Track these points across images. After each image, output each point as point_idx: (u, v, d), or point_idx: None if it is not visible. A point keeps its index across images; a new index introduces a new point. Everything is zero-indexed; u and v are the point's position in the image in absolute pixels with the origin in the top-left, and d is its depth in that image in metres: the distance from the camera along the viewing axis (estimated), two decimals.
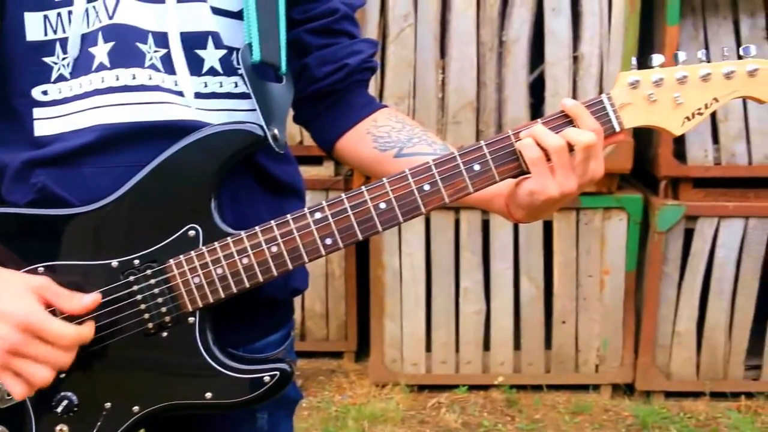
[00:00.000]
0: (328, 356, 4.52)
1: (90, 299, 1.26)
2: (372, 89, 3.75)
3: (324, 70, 1.48)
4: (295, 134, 3.80)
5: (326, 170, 4.06)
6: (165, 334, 1.31)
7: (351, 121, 1.51)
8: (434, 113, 3.80)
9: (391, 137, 1.47)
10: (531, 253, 4.01)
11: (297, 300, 4.29)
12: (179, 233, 1.29)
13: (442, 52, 3.80)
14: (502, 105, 3.80)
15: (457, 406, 4.06)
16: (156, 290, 1.29)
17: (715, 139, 3.87)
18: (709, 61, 1.32)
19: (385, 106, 1.55)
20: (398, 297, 4.05)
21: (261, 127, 1.31)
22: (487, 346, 4.13)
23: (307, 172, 4.01)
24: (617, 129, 1.31)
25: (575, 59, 3.76)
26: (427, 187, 1.29)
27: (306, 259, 1.31)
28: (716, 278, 3.98)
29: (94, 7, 1.29)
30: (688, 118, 1.31)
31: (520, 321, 4.10)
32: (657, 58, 1.31)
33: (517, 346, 4.14)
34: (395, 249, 3.99)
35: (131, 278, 1.29)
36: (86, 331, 1.26)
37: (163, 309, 1.30)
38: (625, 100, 1.31)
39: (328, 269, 4.31)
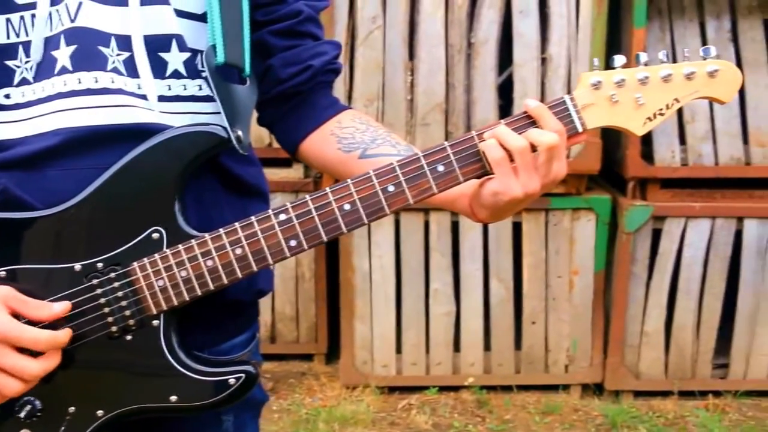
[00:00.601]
0: (299, 359, 4.51)
1: (60, 308, 1.25)
2: (341, 91, 3.78)
3: (288, 71, 1.48)
4: (263, 136, 3.79)
5: (295, 172, 4.05)
6: (129, 337, 1.30)
7: (315, 123, 1.51)
8: (403, 115, 3.81)
9: (355, 138, 1.47)
10: (500, 254, 4.02)
11: (267, 302, 4.28)
12: (143, 236, 1.28)
13: (411, 53, 3.80)
14: (471, 106, 3.81)
15: (427, 407, 4.06)
16: (120, 293, 1.28)
17: (682, 140, 3.90)
18: (674, 62, 1.32)
19: (350, 108, 1.55)
20: (368, 299, 4.05)
21: (225, 128, 1.31)
22: (457, 347, 4.14)
23: (276, 174, 4.00)
24: (580, 129, 1.32)
25: (543, 61, 3.77)
26: (391, 188, 1.29)
27: (271, 260, 1.30)
28: (684, 278, 4.01)
29: (57, 10, 1.28)
30: (649, 119, 1.32)
31: (490, 322, 4.11)
32: (619, 59, 1.32)
33: (487, 347, 4.15)
34: (365, 251, 3.99)
35: (94, 282, 1.28)
36: (62, 336, 1.25)
37: (127, 312, 1.29)
38: (588, 100, 1.31)
39: (298, 272, 4.30)
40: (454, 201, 1.40)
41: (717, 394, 4.14)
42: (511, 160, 1.28)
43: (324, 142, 1.50)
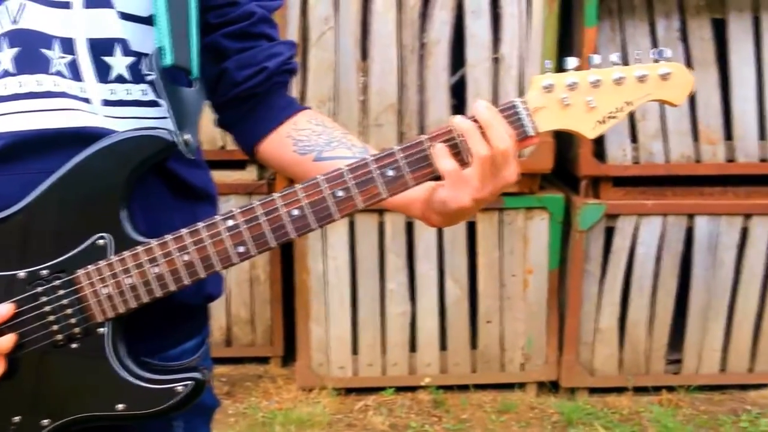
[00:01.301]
0: (255, 362, 4.49)
1: (3, 310, 1.23)
2: (294, 92, 3.76)
3: (243, 73, 1.46)
4: (216, 139, 3.76)
5: (249, 174, 4.03)
6: (75, 345, 1.28)
7: (272, 124, 1.50)
8: (356, 116, 3.80)
9: (311, 141, 1.46)
10: (455, 254, 4.03)
11: (222, 306, 4.25)
12: (88, 243, 1.27)
13: (364, 54, 3.80)
14: (424, 107, 3.81)
15: (384, 408, 4.05)
16: (65, 301, 1.26)
17: (634, 138, 3.94)
18: (626, 63, 1.32)
19: (307, 108, 1.54)
20: (324, 300, 4.04)
21: (171, 132, 1.29)
22: (413, 347, 4.14)
23: (229, 176, 3.98)
24: (531, 133, 1.30)
25: (496, 61, 3.78)
26: (340, 193, 1.28)
27: (218, 267, 1.28)
28: (637, 275, 4.05)
29: None
30: (601, 122, 1.31)
31: (446, 322, 4.12)
32: (571, 62, 1.31)
33: (443, 346, 4.15)
34: (320, 253, 3.97)
35: (39, 289, 1.26)
36: (5, 342, 1.24)
37: (73, 320, 1.27)
38: (539, 104, 1.30)
39: (252, 274, 4.28)
40: (408, 206, 1.39)
41: (670, 389, 4.19)
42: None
43: (280, 144, 1.49)
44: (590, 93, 1.30)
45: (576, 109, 1.30)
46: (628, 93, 1.31)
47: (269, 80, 1.48)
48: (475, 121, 1.28)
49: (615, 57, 1.31)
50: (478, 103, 1.29)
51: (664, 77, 1.31)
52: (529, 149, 3.78)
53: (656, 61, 1.32)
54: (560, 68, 1.32)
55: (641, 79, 1.30)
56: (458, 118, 1.29)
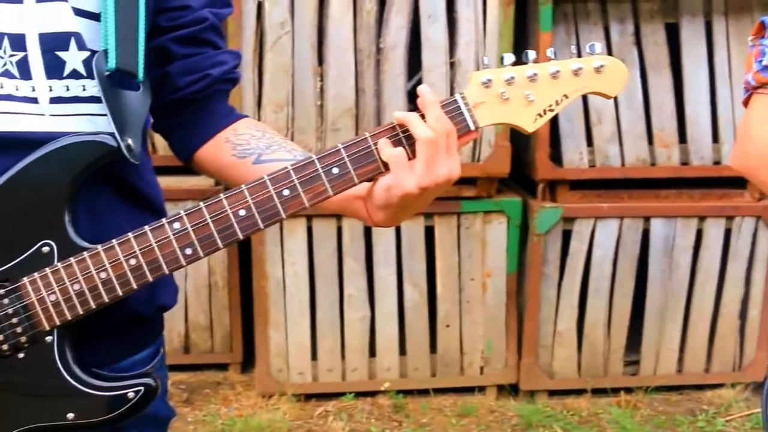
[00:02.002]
0: (214, 368, 4.46)
1: None
2: (250, 97, 3.75)
3: (186, 79, 1.45)
4: None
5: (206, 180, 4.00)
6: (21, 355, 1.26)
7: (211, 131, 1.49)
8: (313, 120, 3.79)
9: (251, 144, 1.46)
10: (414, 259, 4.03)
11: (180, 312, 4.22)
12: (32, 250, 1.25)
13: (320, 59, 3.79)
14: (381, 111, 3.81)
15: (344, 413, 4.05)
16: (10, 310, 1.25)
17: (590, 142, 3.97)
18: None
19: (246, 116, 1.54)
20: (282, 306, 4.02)
21: (114, 137, 1.28)
22: (372, 352, 4.14)
23: (186, 182, 3.96)
24: (472, 128, 1.32)
25: (452, 65, 3.80)
26: (286, 192, 1.28)
27: (166, 270, 1.28)
28: (594, 277, 4.08)
29: None
30: (540, 115, 1.34)
31: (405, 326, 4.12)
32: (508, 58, 1.33)
33: (402, 351, 4.15)
34: (278, 258, 3.96)
35: None
36: None
37: (19, 329, 1.25)
38: (479, 99, 1.32)
39: (211, 280, 4.25)
40: (350, 204, 1.39)
41: (629, 390, 4.23)
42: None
43: (219, 148, 1.48)
44: (528, 87, 1.32)
45: (515, 103, 1.33)
46: (564, 86, 1.34)
47: (211, 87, 1.47)
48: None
49: (550, 52, 1.34)
50: (422, 86, 1.32)
51: (599, 70, 1.34)
52: (487, 153, 3.80)
53: (590, 54, 1.34)
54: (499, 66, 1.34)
55: (576, 72, 1.33)
56: (399, 112, 1.31)
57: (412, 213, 1.36)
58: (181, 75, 1.45)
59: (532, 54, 1.33)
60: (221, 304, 4.30)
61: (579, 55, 1.35)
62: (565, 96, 1.34)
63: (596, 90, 1.35)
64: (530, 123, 1.34)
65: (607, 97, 1.37)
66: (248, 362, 4.42)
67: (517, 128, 1.35)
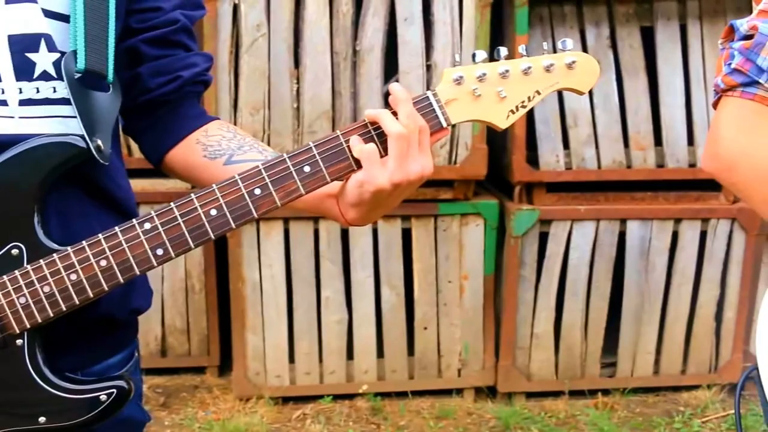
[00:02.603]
0: (191, 372, 4.44)
1: None
2: (226, 100, 3.75)
3: (156, 81, 1.45)
4: None
5: (181, 183, 3.98)
6: None
7: (182, 133, 1.48)
8: (290, 123, 3.78)
9: (221, 145, 1.45)
10: (391, 261, 4.03)
11: (157, 316, 4.21)
12: (1, 253, 1.24)
13: (297, 61, 3.79)
14: (358, 114, 3.81)
15: (322, 416, 4.04)
16: None
17: (566, 144, 3.98)
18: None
19: (217, 119, 1.53)
20: (259, 309, 4.01)
21: (83, 138, 1.27)
22: (350, 354, 4.13)
23: (162, 184, 3.95)
24: (444, 125, 1.32)
25: (428, 68, 3.80)
26: (258, 191, 1.28)
27: (137, 270, 1.27)
28: (571, 280, 4.09)
29: None
30: (512, 111, 1.34)
31: (383, 329, 4.12)
32: (480, 54, 1.33)
33: (380, 353, 4.15)
34: (255, 261, 3.95)
35: None
36: None
37: None
38: (451, 95, 1.32)
39: (188, 284, 4.24)
40: (322, 203, 1.39)
41: (606, 392, 4.24)
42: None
43: (189, 150, 1.47)
44: (500, 84, 1.33)
45: (487, 100, 1.33)
46: (536, 82, 1.34)
47: (181, 89, 1.46)
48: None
49: (521, 49, 1.34)
50: (394, 84, 1.32)
51: (570, 66, 1.34)
52: (463, 155, 3.81)
53: (562, 50, 1.35)
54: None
55: (548, 68, 1.33)
56: (371, 110, 1.31)
57: (384, 211, 1.36)
58: (152, 76, 1.44)
59: (504, 51, 1.33)
60: (198, 307, 4.28)
61: (554, 53, 1.35)
62: (538, 92, 1.34)
63: (568, 86, 1.35)
64: (503, 120, 1.34)
65: (579, 93, 1.37)
66: (225, 365, 4.41)
67: (489, 125, 1.35)
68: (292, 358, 4.11)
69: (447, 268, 4.06)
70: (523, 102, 1.34)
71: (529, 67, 1.32)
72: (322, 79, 3.77)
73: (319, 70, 3.76)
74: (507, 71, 1.32)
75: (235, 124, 3.72)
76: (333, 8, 3.74)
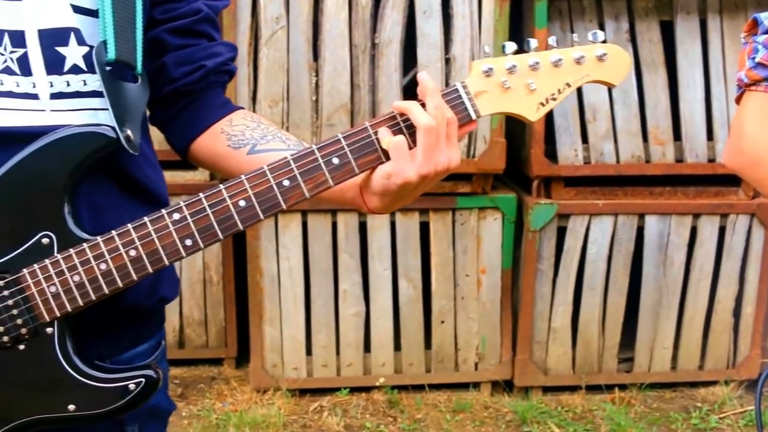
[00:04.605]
0: (208, 363, 4.46)
1: None
2: (245, 92, 3.75)
3: (181, 70, 1.45)
4: None
5: (201, 174, 4.01)
6: (22, 346, 1.26)
7: (206, 122, 1.49)
8: (308, 116, 3.79)
9: (245, 135, 1.45)
10: (409, 255, 4.04)
11: (175, 307, 4.22)
12: (32, 241, 1.25)
13: (315, 54, 3.79)
14: (376, 107, 3.81)
15: (339, 409, 4.05)
16: (10, 302, 1.24)
17: (585, 139, 3.97)
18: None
19: (241, 108, 1.53)
20: (277, 302, 4.02)
21: (113, 128, 1.27)
22: (367, 347, 4.14)
23: (182, 176, 3.96)
24: (473, 117, 1.31)
25: (447, 61, 3.80)
26: (286, 183, 1.28)
27: (166, 261, 1.27)
28: (588, 274, 4.08)
29: None
30: (542, 104, 1.32)
31: (400, 322, 4.13)
32: (510, 46, 1.31)
33: (397, 347, 4.16)
34: (273, 254, 3.96)
35: None
36: None
37: (19, 321, 1.25)
38: (480, 88, 1.31)
39: (206, 275, 4.26)
40: (344, 194, 1.38)
41: (623, 387, 4.24)
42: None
43: (214, 139, 1.48)
44: (530, 76, 1.32)
45: (517, 92, 1.32)
46: (566, 74, 1.32)
47: (206, 78, 1.47)
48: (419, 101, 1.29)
49: (552, 41, 1.33)
50: (422, 73, 1.31)
51: (601, 58, 1.32)
52: (482, 149, 3.81)
53: (593, 42, 1.33)
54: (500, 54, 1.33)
55: (578, 60, 1.32)
56: (399, 101, 1.31)
57: (408, 201, 1.36)
58: (176, 66, 1.45)
59: (533, 42, 1.31)
60: (216, 299, 4.30)
61: (584, 45, 1.33)
62: (568, 85, 1.33)
63: (599, 78, 1.34)
64: (532, 112, 1.33)
65: (611, 85, 1.36)
66: (243, 357, 4.42)
67: (519, 117, 1.34)
68: (309, 351, 4.12)
69: (465, 262, 4.06)
70: (553, 94, 1.33)
71: (560, 60, 1.31)
72: (341, 71, 3.77)
73: (338, 63, 3.76)
74: (537, 63, 1.31)
75: None
76: (352, 1, 3.74)
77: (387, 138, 1.28)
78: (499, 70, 1.31)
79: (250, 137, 1.45)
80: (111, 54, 1.29)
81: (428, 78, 1.30)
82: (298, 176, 1.28)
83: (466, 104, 1.31)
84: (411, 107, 1.28)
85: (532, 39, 1.32)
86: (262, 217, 1.29)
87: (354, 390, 4.18)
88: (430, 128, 1.26)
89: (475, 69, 1.32)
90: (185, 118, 1.50)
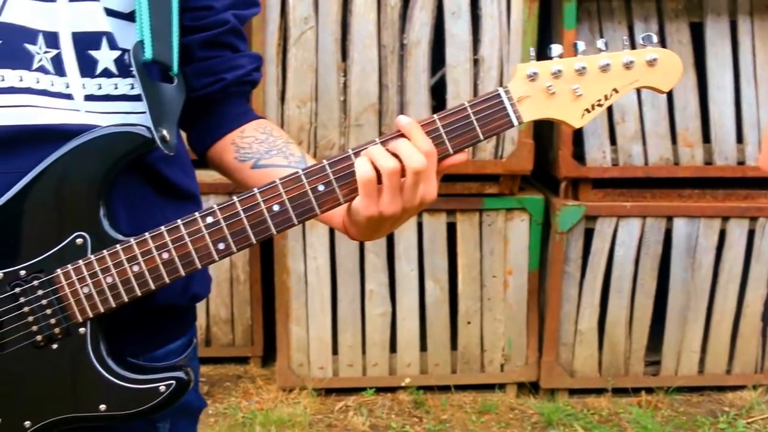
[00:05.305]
0: (234, 362, 4.48)
1: None
2: (273, 92, 3.76)
3: (201, 81, 1.46)
4: None
5: None
6: (55, 346, 1.27)
7: (219, 133, 1.50)
8: (337, 116, 3.79)
9: (252, 149, 1.46)
10: (435, 255, 4.03)
11: (201, 305, 4.24)
12: (66, 242, 1.25)
13: (344, 54, 3.79)
14: (405, 107, 3.81)
15: (364, 408, 4.05)
16: (44, 301, 1.25)
17: (613, 140, 3.95)
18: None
19: (261, 117, 1.54)
20: (304, 301, 4.03)
21: (149, 128, 1.28)
22: (393, 348, 4.14)
23: (209, 175, 3.96)
24: (515, 123, 1.28)
25: (476, 62, 3.79)
26: (321, 188, 1.27)
27: (198, 265, 1.28)
28: (616, 276, 4.06)
29: None
30: (588, 110, 1.29)
31: (426, 322, 4.12)
32: (556, 49, 1.28)
33: (423, 347, 4.16)
34: (300, 253, 3.97)
35: (17, 290, 1.25)
36: None
37: (52, 320, 1.26)
38: (524, 92, 1.27)
39: (232, 274, 4.27)
40: (331, 217, 1.38)
41: (649, 390, 4.21)
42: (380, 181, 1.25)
43: (224, 150, 1.49)
44: (576, 81, 1.28)
45: (562, 98, 1.28)
46: (614, 80, 1.28)
47: (225, 90, 1.48)
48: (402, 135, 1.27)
49: (601, 44, 1.29)
50: (400, 117, 1.28)
51: (651, 63, 1.28)
52: (509, 150, 3.80)
53: (644, 45, 1.29)
54: (544, 58, 1.30)
55: (628, 65, 1.28)
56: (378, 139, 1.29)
57: (385, 231, 1.34)
58: (197, 77, 1.46)
59: (581, 45, 1.28)
60: (242, 297, 4.31)
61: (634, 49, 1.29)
62: (615, 90, 1.28)
63: (648, 84, 1.29)
64: (577, 118, 1.29)
65: (660, 91, 1.31)
66: (269, 356, 4.44)
67: (563, 124, 1.30)
68: (335, 350, 4.12)
69: (491, 263, 4.05)
70: (599, 100, 1.28)
71: (608, 64, 1.27)
72: (369, 72, 3.77)
73: (366, 64, 3.76)
74: (584, 68, 1.27)
75: (282, 116, 3.75)
76: (381, 2, 3.74)
77: (357, 171, 1.26)
78: (543, 75, 1.27)
79: (255, 151, 1.46)
80: (148, 54, 1.30)
81: (404, 118, 1.27)
82: (334, 181, 1.28)
83: (507, 110, 1.28)
84: (372, 152, 1.26)
85: (555, 45, 1.28)
86: (296, 222, 1.29)
87: (379, 390, 4.19)
88: (393, 171, 1.24)
89: (519, 73, 1.28)
90: (203, 126, 1.51)
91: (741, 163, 3.99)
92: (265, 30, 3.72)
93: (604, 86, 1.28)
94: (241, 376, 4.39)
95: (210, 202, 3.78)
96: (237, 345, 4.41)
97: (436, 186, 1.28)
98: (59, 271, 1.25)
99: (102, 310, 1.26)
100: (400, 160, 1.24)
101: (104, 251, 1.26)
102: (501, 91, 1.28)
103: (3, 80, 1.24)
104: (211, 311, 4.31)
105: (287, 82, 3.78)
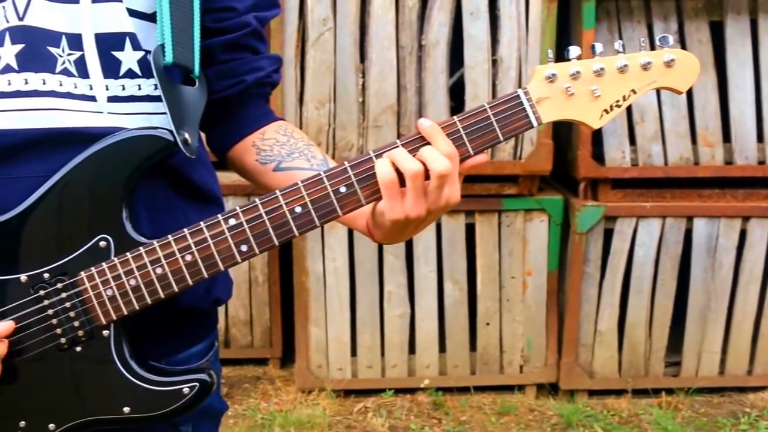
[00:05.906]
0: (253, 363, 4.49)
1: (4, 327, 1.23)
2: (292, 94, 3.76)
3: (221, 84, 1.46)
4: None
5: None
6: (79, 348, 1.27)
7: (241, 134, 1.50)
8: (355, 117, 3.79)
9: (273, 151, 1.46)
10: (454, 256, 4.03)
11: (220, 307, 4.23)
12: (90, 244, 1.26)
13: (362, 55, 3.79)
14: (423, 108, 3.81)
15: (383, 410, 4.05)
16: (68, 304, 1.26)
17: (632, 140, 3.94)
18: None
19: (281, 119, 1.54)
20: (323, 302, 4.03)
21: (171, 131, 1.28)
22: (412, 349, 4.14)
23: (228, 177, 3.97)
24: (535, 124, 1.29)
25: (494, 63, 3.78)
26: (343, 189, 1.27)
27: (221, 266, 1.28)
28: (636, 277, 4.04)
29: (3, 7, 1.24)
30: (606, 111, 1.30)
31: (445, 323, 4.12)
32: (574, 51, 1.29)
33: (442, 348, 4.15)
34: (319, 254, 3.97)
35: (41, 293, 1.25)
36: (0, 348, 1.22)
37: (76, 323, 1.26)
38: (543, 94, 1.29)
39: (251, 275, 4.28)
40: (354, 219, 1.39)
41: (670, 391, 4.19)
42: (403, 183, 1.25)
43: (245, 152, 1.49)
44: (594, 82, 1.29)
45: (580, 99, 1.29)
46: (632, 81, 1.30)
47: (245, 92, 1.48)
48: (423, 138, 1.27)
49: (618, 45, 1.30)
50: (421, 120, 1.28)
51: (669, 64, 1.29)
52: (528, 151, 3.79)
53: (661, 47, 1.30)
54: (562, 59, 1.31)
55: (645, 66, 1.29)
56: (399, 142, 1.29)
57: (409, 235, 1.34)
58: (217, 79, 1.46)
59: (598, 47, 1.29)
60: (261, 299, 4.32)
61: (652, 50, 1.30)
62: (633, 91, 1.30)
63: (666, 85, 1.30)
64: (596, 119, 1.30)
65: (678, 92, 1.32)
66: (287, 357, 4.44)
67: (582, 124, 1.31)
68: (354, 352, 4.12)
69: (510, 264, 4.04)
70: (617, 101, 1.30)
71: (626, 65, 1.28)
72: (388, 73, 3.77)
73: (384, 65, 3.76)
74: (602, 69, 1.28)
75: (300, 118, 3.76)
76: (399, 2, 3.74)
77: (379, 174, 1.26)
78: (562, 76, 1.29)
79: (277, 154, 1.46)
80: (168, 57, 1.30)
81: (425, 120, 1.27)
82: (355, 183, 1.28)
83: (527, 111, 1.29)
84: (395, 155, 1.26)
85: (597, 44, 1.29)
86: (318, 224, 1.29)
87: (398, 391, 4.18)
88: (416, 174, 1.24)
89: (537, 74, 1.29)
90: (223, 127, 1.51)
91: (762, 162, 3.97)
92: (283, 32, 3.72)
93: (622, 87, 1.30)
94: (260, 377, 4.40)
95: (229, 203, 3.79)
96: (256, 346, 4.41)
97: (459, 188, 1.28)
98: (83, 273, 1.26)
99: (125, 312, 1.27)
100: (423, 163, 1.24)
101: (127, 254, 1.26)
102: (520, 92, 1.29)
103: (26, 83, 1.24)
104: (230, 312, 4.32)
105: (306, 84, 3.78)
